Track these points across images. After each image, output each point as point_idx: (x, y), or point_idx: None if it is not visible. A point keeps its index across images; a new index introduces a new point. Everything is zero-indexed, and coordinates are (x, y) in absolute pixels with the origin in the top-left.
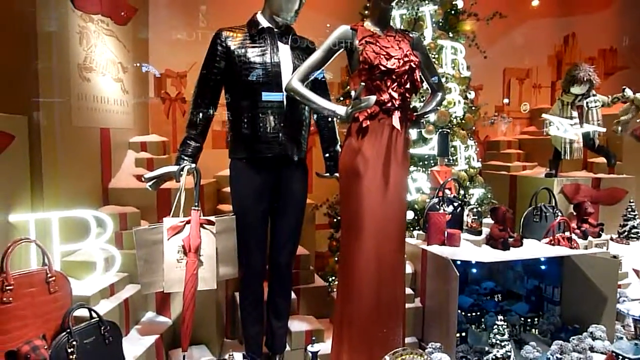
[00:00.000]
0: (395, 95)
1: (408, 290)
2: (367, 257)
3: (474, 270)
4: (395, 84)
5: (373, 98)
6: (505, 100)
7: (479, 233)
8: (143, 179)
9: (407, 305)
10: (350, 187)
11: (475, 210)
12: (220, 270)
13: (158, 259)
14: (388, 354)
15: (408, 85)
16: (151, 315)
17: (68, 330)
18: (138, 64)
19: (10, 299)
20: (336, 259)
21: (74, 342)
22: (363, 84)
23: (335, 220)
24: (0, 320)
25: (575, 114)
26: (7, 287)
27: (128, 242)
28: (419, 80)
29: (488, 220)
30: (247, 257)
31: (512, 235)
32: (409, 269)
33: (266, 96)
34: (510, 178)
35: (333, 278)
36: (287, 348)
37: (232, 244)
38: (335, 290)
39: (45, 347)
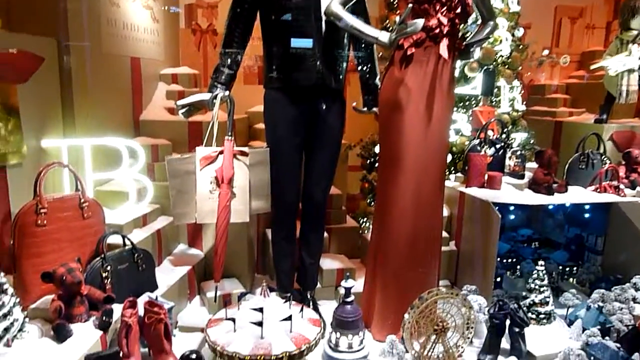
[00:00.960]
0: (444, 20)
1: (443, 233)
2: (405, 194)
3: (512, 217)
4: (445, 8)
5: (420, 22)
6: (545, 52)
7: (521, 177)
8: (175, 106)
9: (442, 248)
10: (390, 120)
11: (518, 153)
12: (253, 204)
13: (190, 189)
14: (424, 293)
15: (459, 10)
16: (183, 247)
17: (102, 255)
18: None
19: (45, 222)
20: (368, 201)
21: (108, 267)
22: (410, 5)
23: (368, 161)
24: (35, 243)
25: (637, 52)
26: (42, 211)
27: (160, 174)
28: (470, 4)
29: (531, 165)
30: (280, 191)
31: (557, 181)
32: (444, 211)
33: (304, 21)
34: (555, 124)
35: (365, 220)
36: (318, 285)
37: (265, 178)
38: (366, 232)
39: (80, 270)
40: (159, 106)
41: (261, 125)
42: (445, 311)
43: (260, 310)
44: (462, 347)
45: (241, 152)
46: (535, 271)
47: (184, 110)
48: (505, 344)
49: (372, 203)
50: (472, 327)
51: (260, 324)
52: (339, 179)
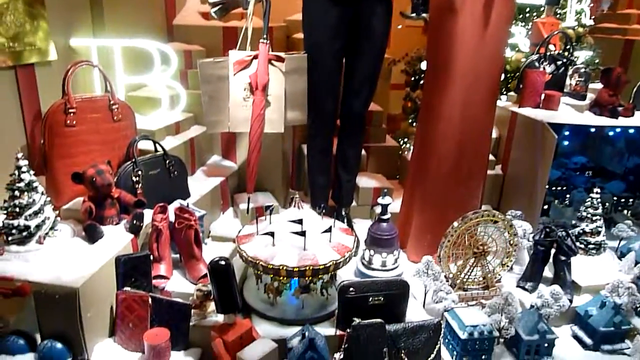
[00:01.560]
0: None
1: (490, 156)
2: (452, 107)
3: (565, 143)
4: None
5: None
6: None
7: (583, 97)
8: (208, 3)
9: (487, 172)
10: (441, 25)
11: (582, 71)
12: (288, 115)
13: (223, 96)
14: (467, 214)
15: None
16: (217, 159)
17: (133, 160)
18: None
19: (74, 122)
20: (410, 121)
21: (139, 172)
22: None
23: (413, 79)
24: (65, 143)
25: None
26: (70, 110)
27: (193, 82)
28: None
29: (595, 85)
30: (317, 101)
31: (622, 104)
32: (493, 133)
33: None
34: (625, 43)
35: (406, 140)
36: (354, 203)
37: (302, 86)
38: (406, 152)
39: (111, 172)
40: (193, 11)
41: (300, 35)
42: (486, 234)
43: (300, 221)
44: (500, 273)
45: (277, 57)
46: (589, 198)
47: (216, 8)
48: (547, 272)
49: (414, 124)
50: (513, 253)
51: (303, 234)
52: (380, 96)
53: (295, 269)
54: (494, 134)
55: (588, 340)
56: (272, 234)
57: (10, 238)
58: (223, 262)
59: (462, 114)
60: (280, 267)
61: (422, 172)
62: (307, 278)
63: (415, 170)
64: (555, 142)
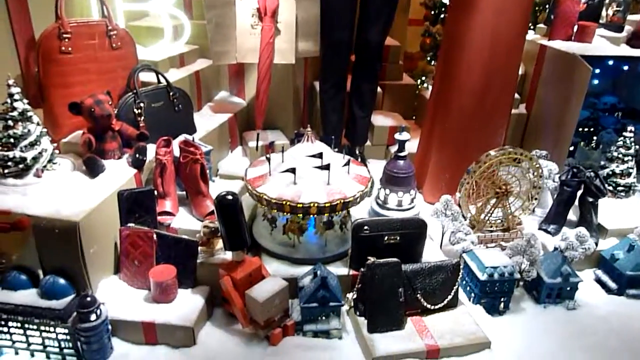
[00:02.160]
0: None
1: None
2: (478, 37)
3: (595, 82)
4: None
5: None
6: None
7: (620, 29)
8: None
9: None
10: None
11: (620, 0)
12: (299, 45)
13: (230, 23)
14: (490, 151)
15: None
16: (225, 95)
17: (134, 91)
18: None
19: (70, 49)
20: (428, 59)
21: (141, 104)
22: None
23: (433, 12)
24: (61, 71)
25: None
26: (65, 35)
27: (198, 11)
28: None
29: (634, 17)
30: (331, 29)
31: None
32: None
33: None
34: None
35: (423, 79)
36: (368, 142)
37: (314, 14)
38: (424, 92)
39: (110, 103)
40: None
41: None
42: (510, 174)
43: (320, 155)
44: (522, 215)
45: None
46: (622, 138)
47: None
48: (570, 215)
49: (433, 62)
50: (537, 195)
51: (327, 167)
52: (398, 31)
53: (327, 205)
54: (519, 71)
55: (612, 285)
56: (293, 171)
57: (6, 171)
58: (230, 197)
59: (491, 41)
60: (312, 204)
61: (443, 108)
62: (337, 212)
63: (436, 106)
64: (590, 75)
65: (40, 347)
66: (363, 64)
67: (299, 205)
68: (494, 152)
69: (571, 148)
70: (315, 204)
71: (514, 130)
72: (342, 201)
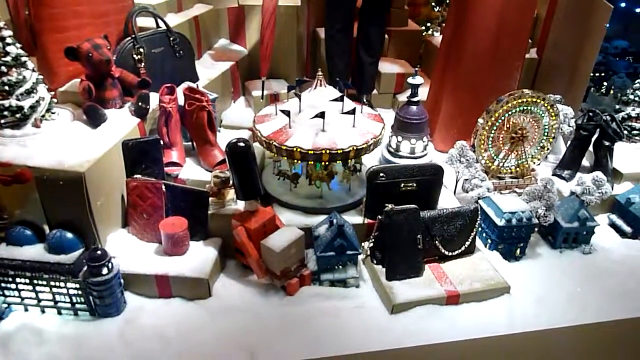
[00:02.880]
0: None
1: None
2: None
3: (605, 25)
4: None
5: None
6: None
7: None
8: None
9: None
10: None
11: None
12: None
13: None
14: (504, 95)
15: None
16: (225, 42)
17: (133, 35)
18: None
19: None
20: (432, 4)
21: (141, 49)
22: None
23: None
24: (54, 15)
25: None
26: None
27: None
28: None
29: None
30: None
31: None
32: None
33: None
34: None
35: (428, 25)
36: (375, 91)
37: None
38: (431, 38)
39: (109, 47)
40: None
41: None
42: (527, 119)
43: (342, 99)
44: (536, 161)
45: None
46: (638, 81)
47: None
48: (584, 161)
49: (437, 8)
50: (553, 139)
51: (322, 115)
52: None
53: (364, 146)
54: None
55: (627, 229)
56: (287, 113)
57: (3, 121)
58: (242, 144)
59: None
60: (295, 149)
61: (455, 51)
62: (323, 162)
63: (448, 49)
64: (610, 13)
65: (51, 303)
66: (371, 7)
67: (338, 152)
68: (511, 95)
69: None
70: (354, 147)
71: (525, 75)
72: (375, 140)
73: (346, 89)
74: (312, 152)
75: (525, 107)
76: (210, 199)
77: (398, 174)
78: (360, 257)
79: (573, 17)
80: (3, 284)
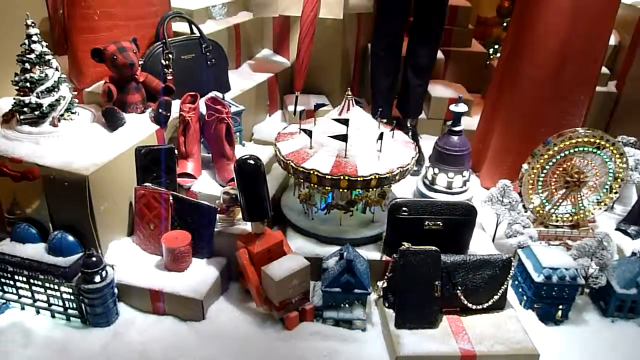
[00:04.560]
0: None
1: (603, 69)
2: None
3: None
4: None
5: None
6: None
7: None
8: None
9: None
10: None
11: None
12: None
13: None
14: (567, 131)
15: None
16: (267, 53)
17: (163, 40)
18: None
19: None
20: (505, 24)
21: (170, 55)
22: None
23: None
24: (87, 15)
25: None
26: None
27: None
28: None
29: None
30: None
31: None
32: (610, 39)
33: None
34: None
35: (497, 48)
36: (423, 115)
37: None
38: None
39: (135, 51)
40: None
41: None
42: (586, 161)
43: (346, 122)
44: (597, 211)
45: None
46: None
47: None
48: None
49: None
50: (618, 188)
51: (344, 138)
52: None
53: (327, 177)
54: (612, 41)
55: None
56: (309, 133)
57: (22, 117)
58: (252, 161)
59: (571, 7)
60: (311, 172)
61: (511, 79)
62: (340, 189)
63: (503, 76)
64: None
65: (45, 305)
66: (421, 24)
67: (359, 179)
68: (569, 133)
69: None
70: (376, 175)
71: (600, 111)
72: (346, 178)
73: (380, 119)
74: (329, 176)
75: (586, 148)
76: (219, 216)
77: (423, 210)
78: (373, 297)
79: None
80: (3, 280)
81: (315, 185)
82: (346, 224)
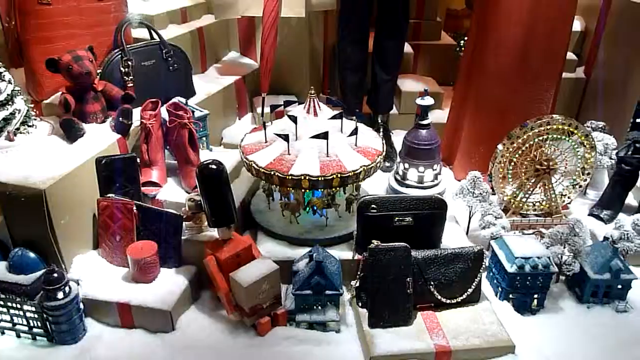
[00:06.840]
0: None
1: (569, 55)
2: None
3: None
4: None
5: None
6: None
7: None
8: None
9: (564, 75)
10: None
11: None
12: None
13: None
14: (530, 120)
15: None
16: (234, 55)
17: (121, 47)
18: None
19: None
20: None
21: (129, 62)
22: None
23: None
24: (41, 25)
25: None
26: None
27: None
28: None
29: None
30: None
31: None
32: (576, 25)
33: None
34: None
35: (467, 39)
36: (394, 110)
37: None
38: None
39: (92, 60)
40: None
41: None
42: (555, 148)
43: (294, 120)
44: (569, 197)
45: None
46: None
47: None
48: (631, 200)
49: None
50: (589, 174)
51: (325, 136)
52: None
53: (320, 179)
54: (577, 27)
55: None
56: (286, 138)
57: None
58: (214, 166)
59: None
60: (302, 178)
61: (477, 68)
62: (333, 189)
63: (470, 66)
64: None
65: (10, 325)
66: (386, 18)
67: (288, 177)
68: (536, 121)
69: (638, 120)
70: (364, 167)
71: (570, 97)
72: (339, 176)
73: (331, 106)
74: (322, 178)
75: (555, 136)
76: (186, 223)
77: (392, 207)
78: (347, 297)
79: (626, 32)
80: None
81: (306, 190)
82: (318, 224)
